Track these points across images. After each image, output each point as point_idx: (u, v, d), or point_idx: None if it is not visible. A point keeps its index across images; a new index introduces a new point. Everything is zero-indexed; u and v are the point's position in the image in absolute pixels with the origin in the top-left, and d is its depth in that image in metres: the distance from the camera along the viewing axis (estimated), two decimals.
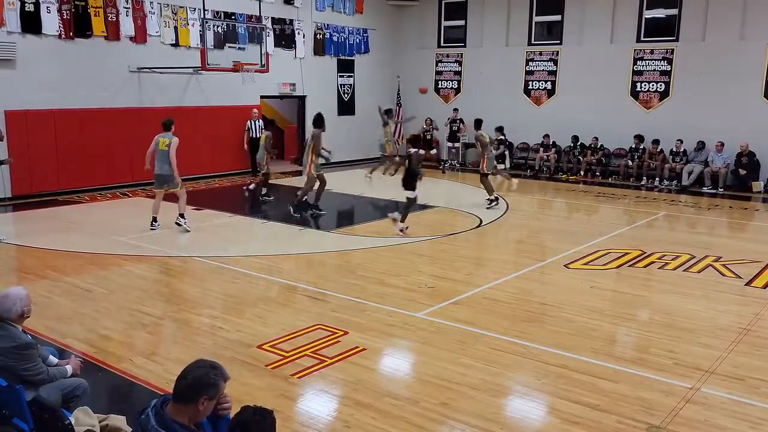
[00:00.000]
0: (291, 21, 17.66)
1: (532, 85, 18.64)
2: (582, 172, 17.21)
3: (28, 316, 4.04)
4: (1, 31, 12.36)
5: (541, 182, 16.88)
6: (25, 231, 10.55)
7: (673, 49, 16.33)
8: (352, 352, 5.73)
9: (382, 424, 4.51)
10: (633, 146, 16.67)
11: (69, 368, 4.20)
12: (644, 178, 16.38)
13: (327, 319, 6.54)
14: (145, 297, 7.15)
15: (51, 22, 12.98)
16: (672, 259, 9.04)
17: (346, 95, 19.62)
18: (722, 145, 15.34)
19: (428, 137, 18.84)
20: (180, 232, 10.25)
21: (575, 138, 17.46)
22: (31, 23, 12.71)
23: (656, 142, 16.21)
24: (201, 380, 2.81)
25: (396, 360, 5.83)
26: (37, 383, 3.92)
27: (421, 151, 10.90)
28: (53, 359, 4.26)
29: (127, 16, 14.13)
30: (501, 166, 15.29)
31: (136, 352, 5.74)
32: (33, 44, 12.79)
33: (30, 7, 12.65)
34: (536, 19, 18.56)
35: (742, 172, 15.11)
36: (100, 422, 3.90)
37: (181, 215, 10.39)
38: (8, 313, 3.89)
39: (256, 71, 14.67)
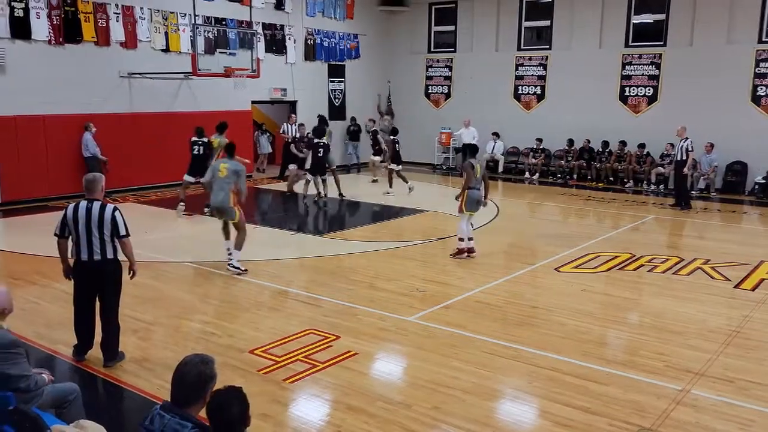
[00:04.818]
0: (282, 26, 17.67)
1: (522, 90, 18.72)
2: (575, 176, 17.34)
3: (10, 311, 4.01)
4: None
5: (530, 186, 16.95)
6: (14, 237, 10.47)
7: (661, 54, 16.46)
8: (344, 356, 5.73)
9: (375, 429, 4.52)
10: (618, 150, 16.77)
11: (45, 377, 4.16)
12: (631, 181, 16.49)
13: (319, 324, 6.53)
14: (136, 303, 7.10)
15: (41, 27, 12.92)
16: (661, 262, 9.10)
17: (337, 100, 19.65)
18: (712, 146, 15.43)
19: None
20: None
21: (570, 141, 17.57)
22: (20, 29, 12.65)
23: (642, 146, 16.34)
24: (200, 379, 2.86)
25: (388, 364, 5.83)
26: (24, 390, 3.86)
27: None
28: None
29: (117, 21, 14.09)
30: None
31: (126, 358, 5.70)
32: (23, 50, 12.74)
33: (20, 13, 12.60)
34: (525, 24, 18.67)
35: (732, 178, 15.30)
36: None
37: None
38: None
39: (247, 76, 14.66)
